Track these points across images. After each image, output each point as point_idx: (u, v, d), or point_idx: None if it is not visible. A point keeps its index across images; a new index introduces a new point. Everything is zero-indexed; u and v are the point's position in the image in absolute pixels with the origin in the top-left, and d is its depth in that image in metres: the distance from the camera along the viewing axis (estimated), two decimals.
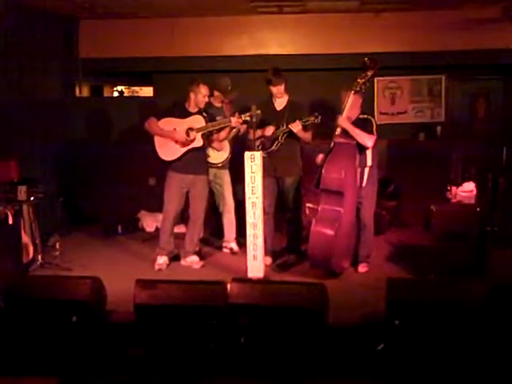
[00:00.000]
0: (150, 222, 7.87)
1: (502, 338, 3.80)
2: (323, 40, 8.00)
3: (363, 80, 5.61)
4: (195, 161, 6.03)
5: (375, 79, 8.09)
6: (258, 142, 5.98)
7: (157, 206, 7.80)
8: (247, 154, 5.43)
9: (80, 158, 8.18)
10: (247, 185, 5.43)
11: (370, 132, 5.62)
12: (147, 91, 10.05)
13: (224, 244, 6.74)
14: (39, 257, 6.05)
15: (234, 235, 6.68)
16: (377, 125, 5.68)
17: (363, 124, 5.62)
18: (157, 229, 7.78)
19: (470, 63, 7.94)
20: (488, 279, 5.22)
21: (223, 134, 6.25)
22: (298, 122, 5.88)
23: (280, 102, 6.14)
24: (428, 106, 8.33)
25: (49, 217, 6.97)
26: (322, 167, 5.57)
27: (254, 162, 5.41)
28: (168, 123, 6.01)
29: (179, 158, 5.99)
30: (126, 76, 9.84)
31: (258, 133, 5.98)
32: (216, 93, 6.56)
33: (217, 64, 7.96)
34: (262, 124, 6.02)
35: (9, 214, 5.61)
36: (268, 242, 5.97)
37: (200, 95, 5.98)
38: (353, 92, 5.61)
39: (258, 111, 5.74)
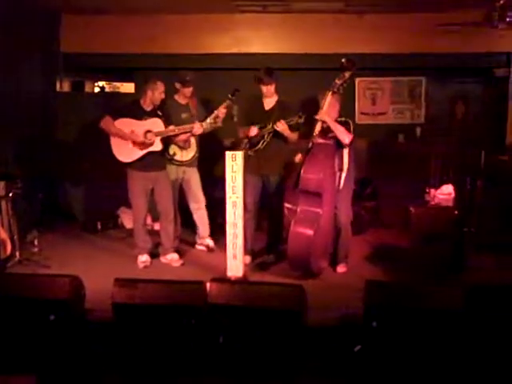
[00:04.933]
0: (129, 219, 7.83)
1: (479, 340, 3.85)
2: (306, 40, 8.00)
3: (341, 81, 5.63)
4: (154, 159, 5.99)
5: (356, 79, 8.14)
6: (245, 141, 6.04)
7: None
8: (228, 154, 5.42)
9: (59, 154, 8.13)
10: (228, 184, 5.42)
11: (348, 131, 5.64)
12: (128, 87, 10.00)
13: (199, 241, 6.71)
14: (17, 253, 5.99)
15: (208, 231, 6.65)
16: (354, 128, 5.69)
17: (341, 126, 5.64)
18: None
19: (450, 66, 8.01)
20: (465, 281, 5.29)
21: (182, 137, 6.20)
22: (282, 121, 5.90)
23: (269, 102, 6.15)
24: (408, 108, 8.40)
25: (27, 213, 6.92)
26: (300, 167, 5.59)
27: (234, 162, 5.40)
28: (125, 124, 5.91)
29: (138, 160, 5.95)
30: (108, 72, 9.78)
31: (242, 132, 5.98)
32: (179, 87, 6.39)
33: (199, 62, 7.93)
34: (249, 123, 6.06)
35: None
36: (248, 240, 6.00)
37: (157, 92, 5.93)
38: (330, 92, 5.62)
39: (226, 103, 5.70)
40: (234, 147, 6.03)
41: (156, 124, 5.94)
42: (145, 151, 5.93)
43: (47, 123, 8.10)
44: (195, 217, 6.67)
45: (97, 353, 4.13)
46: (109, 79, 10.74)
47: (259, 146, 6.06)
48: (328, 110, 5.62)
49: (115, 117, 5.93)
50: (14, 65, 7.16)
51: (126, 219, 7.85)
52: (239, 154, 5.43)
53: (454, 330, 3.83)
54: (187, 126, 6.09)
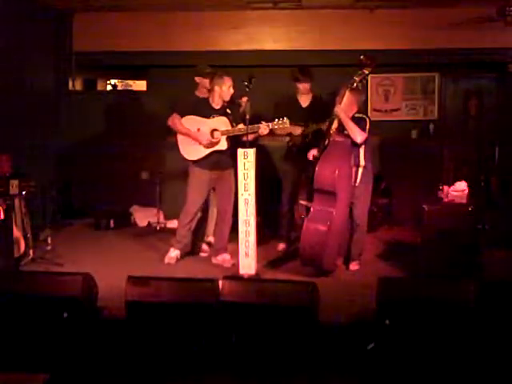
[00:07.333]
0: (142, 217, 7.86)
1: (492, 336, 3.82)
2: (317, 36, 7.97)
3: (359, 78, 5.58)
4: (220, 158, 5.95)
5: (369, 76, 8.09)
6: (287, 139, 6.31)
7: (149, 201, 7.82)
8: (240, 151, 5.41)
9: (72, 152, 8.16)
10: (240, 182, 5.42)
11: (362, 129, 5.60)
12: (141, 85, 10.01)
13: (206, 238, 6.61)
14: (30, 251, 6.01)
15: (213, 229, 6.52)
16: (371, 125, 5.65)
17: (357, 123, 5.60)
18: (149, 224, 7.79)
19: (463, 61, 7.94)
20: (479, 278, 5.24)
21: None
22: (327, 122, 5.89)
23: (305, 99, 6.30)
24: (421, 104, 8.32)
25: (41, 211, 6.95)
26: (315, 165, 5.56)
27: (246, 159, 5.39)
28: (192, 121, 5.92)
29: (203, 158, 5.93)
30: (120, 69, 9.80)
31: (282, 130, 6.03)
32: (199, 80, 6.38)
33: (211, 59, 7.88)
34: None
35: (0, 208, 5.58)
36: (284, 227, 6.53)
37: (225, 86, 5.87)
38: (348, 89, 5.59)
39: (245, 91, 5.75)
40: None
41: (222, 123, 5.89)
42: (210, 150, 5.89)
43: (60, 122, 8.12)
44: (209, 212, 6.57)
45: (109, 350, 4.13)
46: (121, 77, 10.75)
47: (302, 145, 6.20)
48: (345, 106, 5.58)
49: (182, 113, 5.94)
50: (25, 64, 7.20)
51: (139, 217, 7.88)
52: (251, 152, 5.41)
53: (468, 326, 3.80)
54: (254, 126, 5.86)
